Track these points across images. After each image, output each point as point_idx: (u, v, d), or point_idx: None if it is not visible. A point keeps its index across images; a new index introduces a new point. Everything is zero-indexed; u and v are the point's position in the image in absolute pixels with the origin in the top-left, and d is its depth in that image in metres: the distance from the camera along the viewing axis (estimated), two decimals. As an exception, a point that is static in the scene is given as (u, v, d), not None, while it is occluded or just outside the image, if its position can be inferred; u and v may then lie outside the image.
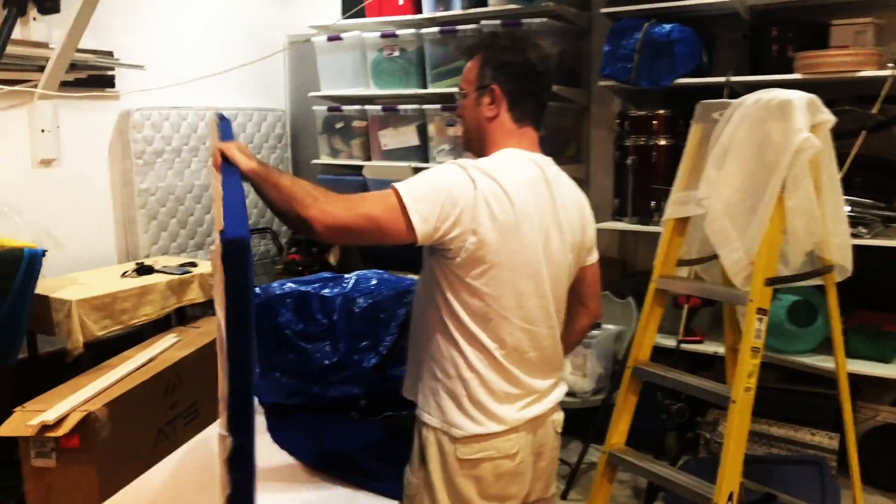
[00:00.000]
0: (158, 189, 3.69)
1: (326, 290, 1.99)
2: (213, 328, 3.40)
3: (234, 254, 1.11)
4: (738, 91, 2.84)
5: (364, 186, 3.73)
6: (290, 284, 2.02)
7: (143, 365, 2.77)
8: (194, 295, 3.28)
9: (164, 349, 2.95)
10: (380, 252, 3.71)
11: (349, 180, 3.81)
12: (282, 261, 3.79)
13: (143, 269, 3.23)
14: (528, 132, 1.55)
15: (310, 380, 1.91)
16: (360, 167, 3.73)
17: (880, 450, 2.76)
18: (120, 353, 2.89)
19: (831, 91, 2.47)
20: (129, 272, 3.20)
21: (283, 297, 1.96)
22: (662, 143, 3.08)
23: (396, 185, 1.38)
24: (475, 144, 1.58)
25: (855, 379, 2.57)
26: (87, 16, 3.06)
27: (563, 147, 3.43)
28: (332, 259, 3.57)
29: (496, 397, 1.45)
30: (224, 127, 1.57)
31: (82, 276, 3.17)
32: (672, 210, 2.10)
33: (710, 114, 2.04)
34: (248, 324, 1.14)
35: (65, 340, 2.79)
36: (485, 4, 3.30)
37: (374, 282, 2.04)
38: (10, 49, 2.97)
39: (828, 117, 1.88)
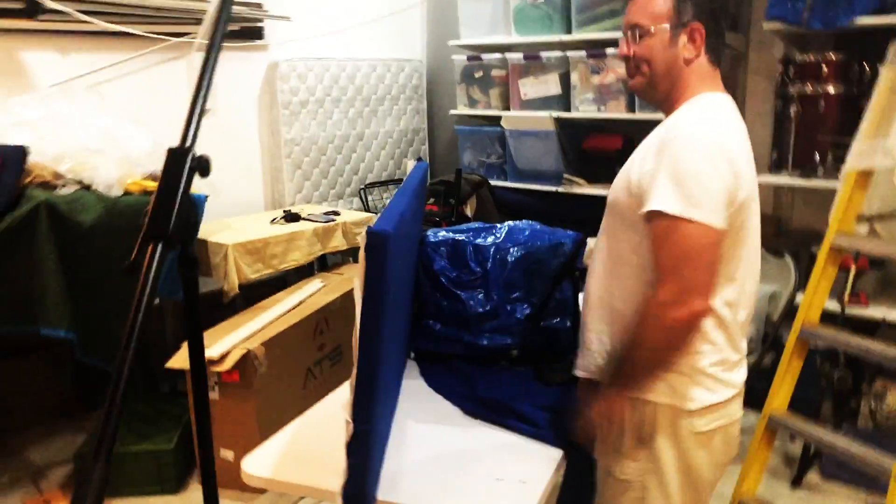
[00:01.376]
0: (303, 139, 3.80)
1: (480, 240, 1.97)
2: (355, 274, 3.52)
3: (375, 246, 1.13)
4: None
5: (502, 137, 3.68)
6: (443, 232, 2.02)
7: (293, 308, 2.89)
8: (338, 242, 3.37)
9: (312, 293, 3.06)
10: (515, 205, 3.67)
11: (487, 131, 3.77)
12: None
13: (291, 217, 3.34)
14: (718, 74, 1.46)
15: (462, 327, 1.91)
16: (499, 118, 3.67)
17: None
18: (271, 296, 3.03)
19: None
20: (278, 219, 3.33)
21: (438, 245, 1.96)
22: (832, 90, 2.83)
23: (655, 207, 1.29)
24: (663, 89, 1.46)
25: None
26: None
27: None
28: (469, 210, 3.56)
29: (726, 365, 1.41)
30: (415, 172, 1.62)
31: (235, 221, 3.32)
32: (855, 161, 1.92)
33: (908, 54, 1.84)
34: (381, 316, 1.17)
35: (221, 282, 2.94)
36: (638, -57, 3.11)
37: (527, 232, 2.01)
38: (170, 2, 3.11)
39: None
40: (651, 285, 1.34)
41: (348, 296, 3.10)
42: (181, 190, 0.87)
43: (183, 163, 0.89)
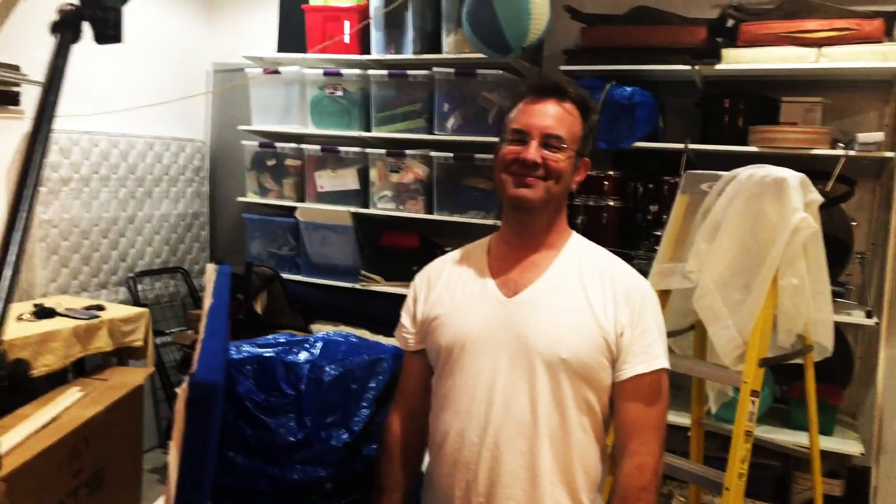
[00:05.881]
0: (62, 220, 3.31)
1: (291, 356, 1.77)
2: (122, 380, 3.05)
3: (201, 400, 0.95)
4: (691, 158, 2.88)
5: (296, 228, 3.50)
6: (247, 347, 1.79)
7: (43, 426, 2.40)
8: (102, 343, 2.92)
9: (67, 406, 2.58)
10: (308, 301, 3.48)
11: (279, 222, 3.57)
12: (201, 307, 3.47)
13: (44, 312, 2.85)
14: None
15: (269, 460, 1.67)
16: (293, 208, 3.50)
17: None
18: (14, 412, 2.50)
19: (782, 166, 2.51)
20: (27, 314, 2.81)
21: (243, 363, 1.72)
22: (612, 204, 3.05)
23: (658, 366, 1.34)
24: (551, 209, 1.40)
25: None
26: (-2, 24, 2.72)
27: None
28: (259, 307, 3.30)
29: None
30: (220, 280, 1.39)
31: (-30, 318, 2.75)
32: (656, 281, 2.03)
33: (699, 185, 2.01)
34: (205, 478, 0.97)
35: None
36: (439, 51, 3.19)
37: (343, 347, 1.84)
38: None
39: (817, 196, 1.88)
40: (628, 448, 1.33)
41: (113, 408, 2.67)
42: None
43: None
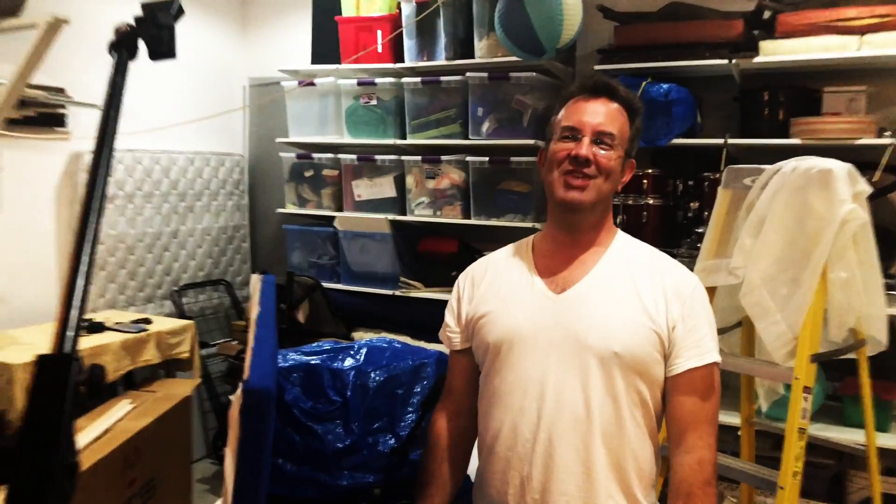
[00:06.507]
0: (109, 237, 3.39)
1: (337, 363, 1.78)
2: (171, 392, 3.10)
3: (255, 407, 0.96)
4: (731, 153, 2.83)
5: (335, 238, 3.54)
6: (293, 355, 1.81)
7: (97, 438, 2.46)
8: (150, 356, 2.98)
9: (119, 418, 2.64)
10: (350, 308, 3.50)
11: (318, 231, 3.60)
12: (244, 318, 3.53)
13: (94, 327, 2.92)
14: None
15: (318, 466, 1.68)
16: (332, 218, 3.53)
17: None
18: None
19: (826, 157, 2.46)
20: (78, 330, 2.88)
21: (289, 371, 1.74)
22: (652, 202, 3.02)
23: (711, 360, 1.34)
24: (600, 210, 1.41)
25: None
26: (43, 50, 2.80)
27: (545, 209, 3.34)
28: (301, 316, 3.33)
29: None
30: (266, 290, 1.41)
31: (24, 334, 2.83)
32: (701, 278, 1.98)
33: (741, 179, 1.97)
34: (261, 484, 0.98)
35: (6, 410, 2.45)
36: (471, 56, 3.20)
37: (387, 353, 1.85)
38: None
39: (865, 187, 1.83)
40: (684, 444, 1.32)
41: (164, 419, 2.72)
42: None
43: None
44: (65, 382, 0.61)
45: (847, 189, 1.75)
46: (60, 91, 3.18)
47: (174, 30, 0.83)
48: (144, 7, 0.83)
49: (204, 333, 3.80)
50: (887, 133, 2.58)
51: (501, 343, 1.41)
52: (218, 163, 4.00)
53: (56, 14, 2.70)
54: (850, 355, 1.96)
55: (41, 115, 3.09)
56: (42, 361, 0.62)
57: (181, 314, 3.67)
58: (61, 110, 3.20)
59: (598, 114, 1.37)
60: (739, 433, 2.32)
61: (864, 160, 2.50)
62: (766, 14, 2.82)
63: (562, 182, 1.37)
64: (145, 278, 3.61)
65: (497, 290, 1.46)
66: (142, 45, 0.85)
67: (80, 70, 3.24)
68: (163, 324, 3.15)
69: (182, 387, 3.04)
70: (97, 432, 2.46)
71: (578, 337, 1.34)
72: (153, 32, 0.81)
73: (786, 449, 1.73)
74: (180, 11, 0.83)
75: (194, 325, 3.23)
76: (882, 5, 2.58)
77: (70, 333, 0.65)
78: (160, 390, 2.98)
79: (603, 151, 1.35)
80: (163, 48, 0.82)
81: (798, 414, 1.73)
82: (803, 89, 2.85)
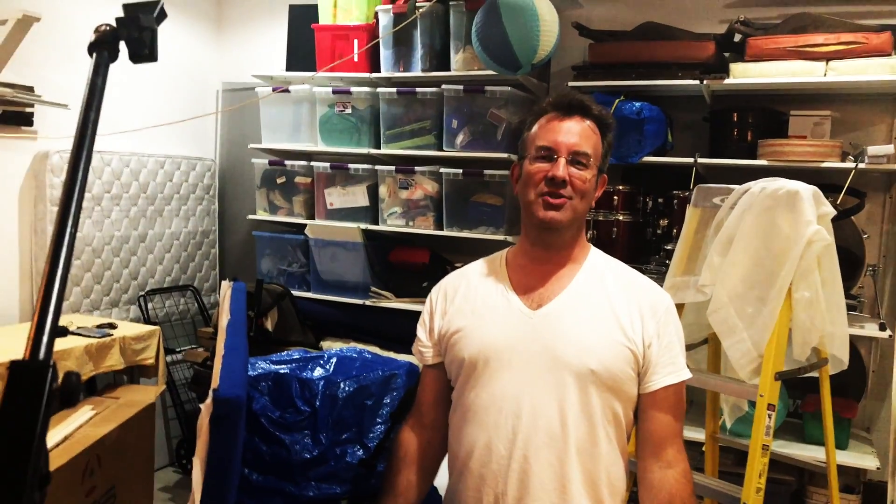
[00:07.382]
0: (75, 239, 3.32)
1: (306, 372, 1.77)
2: (134, 398, 3.05)
3: (224, 416, 0.95)
4: (701, 172, 2.88)
5: (305, 245, 3.51)
6: (262, 364, 1.79)
7: (57, 445, 2.40)
8: (114, 361, 2.92)
9: (81, 424, 2.58)
10: (319, 317, 3.48)
11: (289, 239, 3.58)
12: (212, 325, 3.48)
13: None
14: None
15: (285, 476, 1.67)
16: (303, 225, 3.51)
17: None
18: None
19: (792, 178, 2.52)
20: (39, 333, 2.82)
21: (258, 380, 1.72)
22: (622, 218, 3.06)
23: (685, 377, 1.38)
24: (575, 228, 1.42)
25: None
26: (12, 46, 2.76)
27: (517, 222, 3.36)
28: (269, 324, 3.30)
29: None
30: (236, 297, 1.40)
31: (-17, 336, 2.76)
32: (670, 295, 2.02)
33: (711, 198, 2.01)
34: (229, 494, 0.97)
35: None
36: (447, 68, 3.21)
37: (357, 363, 1.84)
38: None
39: (830, 209, 1.88)
40: (664, 458, 1.34)
41: (126, 426, 2.67)
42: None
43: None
44: (41, 391, 0.60)
45: (812, 210, 1.79)
46: (29, 89, 3.13)
47: (156, 32, 0.82)
48: (126, 7, 0.82)
49: (169, 339, 3.75)
50: (850, 157, 2.65)
51: (477, 359, 1.41)
52: (188, 167, 3.96)
53: (26, 11, 2.66)
54: (812, 374, 2.00)
55: (7, 113, 3.03)
56: (15, 368, 0.61)
57: (147, 320, 3.62)
58: (29, 109, 3.14)
59: (573, 133, 1.38)
60: (704, 448, 2.35)
61: (828, 182, 2.57)
62: (737, 37, 2.89)
63: (541, 203, 1.37)
64: (111, 282, 3.55)
65: (472, 305, 1.46)
66: (122, 48, 0.84)
67: (50, 69, 3.20)
68: (128, 329, 3.10)
69: (146, 393, 2.99)
70: (57, 439, 2.41)
71: (555, 354, 1.34)
72: (135, 35, 0.80)
73: (749, 465, 1.75)
74: (162, 14, 0.82)
75: (160, 330, 3.19)
76: (848, 32, 2.66)
77: (45, 339, 0.63)
78: (123, 397, 2.92)
79: (578, 171, 1.36)
80: (144, 51, 0.80)
81: (762, 430, 1.76)
82: (771, 112, 2.92)
